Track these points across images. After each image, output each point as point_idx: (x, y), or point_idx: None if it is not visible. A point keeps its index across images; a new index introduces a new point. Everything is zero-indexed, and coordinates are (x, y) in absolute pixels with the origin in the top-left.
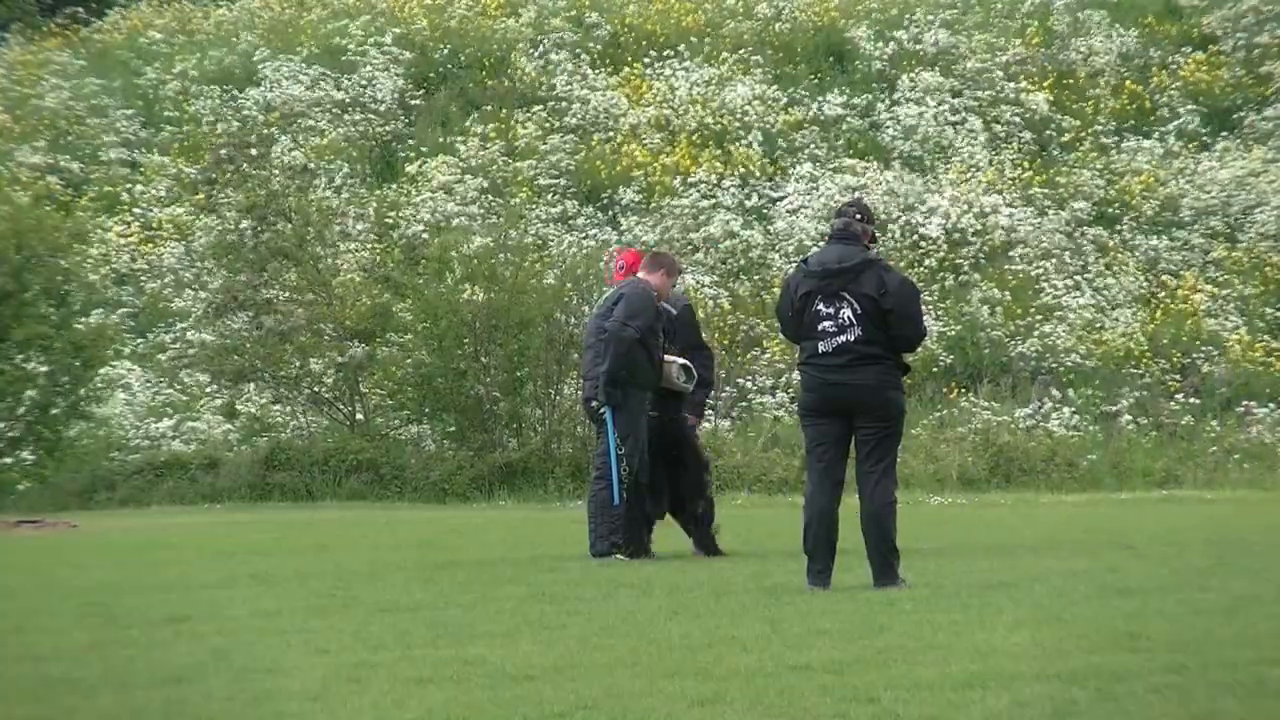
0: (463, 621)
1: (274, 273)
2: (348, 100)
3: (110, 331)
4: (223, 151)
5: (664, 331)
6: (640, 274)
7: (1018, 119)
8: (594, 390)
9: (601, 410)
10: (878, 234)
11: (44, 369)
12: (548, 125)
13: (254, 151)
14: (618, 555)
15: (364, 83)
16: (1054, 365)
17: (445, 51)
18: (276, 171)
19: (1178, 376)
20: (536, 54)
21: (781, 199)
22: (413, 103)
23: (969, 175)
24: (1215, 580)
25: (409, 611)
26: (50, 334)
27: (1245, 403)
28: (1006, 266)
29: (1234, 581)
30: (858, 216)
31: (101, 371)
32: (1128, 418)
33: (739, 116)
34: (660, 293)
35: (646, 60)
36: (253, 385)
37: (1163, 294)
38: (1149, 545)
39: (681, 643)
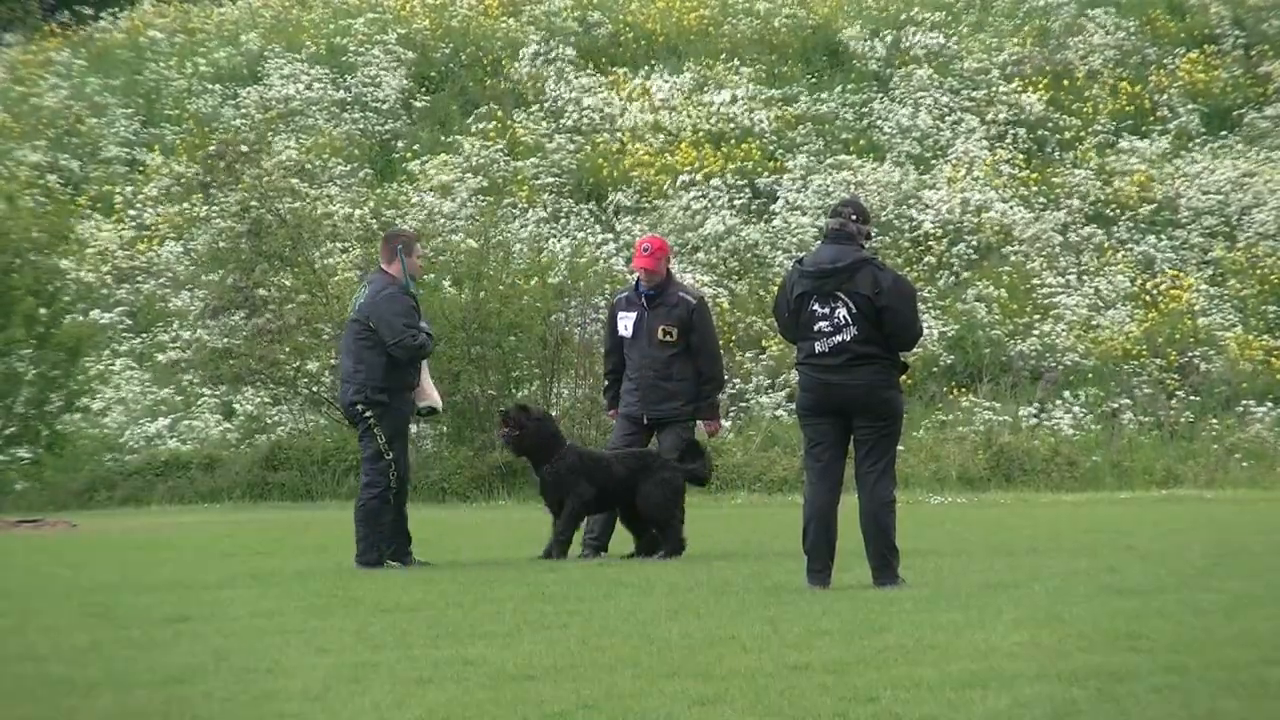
0: (463, 621)
1: (263, 274)
2: (349, 99)
3: (94, 329)
4: (209, 161)
5: (686, 324)
6: (383, 265)
7: (1014, 118)
8: (356, 395)
9: (367, 413)
10: (873, 232)
11: (35, 368)
12: (546, 126)
13: (238, 160)
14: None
15: (366, 82)
16: (1054, 364)
17: (446, 51)
18: (269, 173)
19: (1176, 375)
20: (532, 53)
21: (778, 197)
22: (416, 104)
23: (965, 173)
24: (1215, 580)
25: (409, 611)
26: (40, 333)
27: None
28: (1002, 266)
29: (1234, 581)
30: (853, 216)
31: (88, 364)
32: (1129, 416)
33: (735, 115)
34: (398, 281)
35: (644, 58)
36: (248, 387)
37: (1158, 293)
38: (1149, 545)
39: (681, 643)
